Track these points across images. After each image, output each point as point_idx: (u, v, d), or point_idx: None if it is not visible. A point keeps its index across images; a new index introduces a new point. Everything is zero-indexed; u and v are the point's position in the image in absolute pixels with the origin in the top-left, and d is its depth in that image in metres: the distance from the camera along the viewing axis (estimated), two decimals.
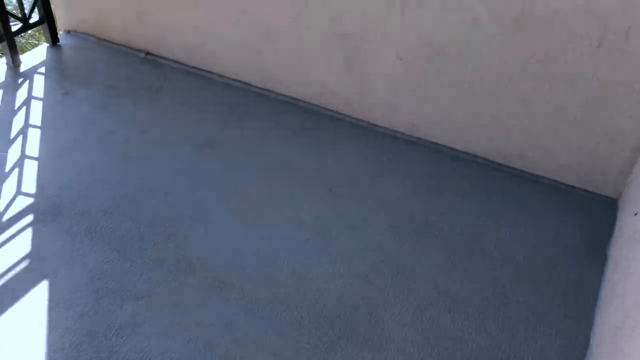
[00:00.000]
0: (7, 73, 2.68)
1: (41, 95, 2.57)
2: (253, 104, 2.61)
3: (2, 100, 2.51)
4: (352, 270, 1.88)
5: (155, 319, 1.67)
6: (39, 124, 2.40)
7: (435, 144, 2.44)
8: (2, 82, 2.62)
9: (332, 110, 2.57)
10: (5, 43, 2.67)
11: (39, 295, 1.72)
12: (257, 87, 2.68)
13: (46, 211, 2.01)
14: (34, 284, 1.76)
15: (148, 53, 2.88)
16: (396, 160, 2.36)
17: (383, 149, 2.41)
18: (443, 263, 1.94)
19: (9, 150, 2.25)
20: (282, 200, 2.12)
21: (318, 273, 1.86)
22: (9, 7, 2.62)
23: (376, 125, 2.51)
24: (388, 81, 2.37)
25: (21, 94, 2.56)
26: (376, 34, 2.27)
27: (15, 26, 2.73)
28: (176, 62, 2.83)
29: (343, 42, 2.36)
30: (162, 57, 2.85)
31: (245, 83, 2.70)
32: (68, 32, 3.05)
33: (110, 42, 2.95)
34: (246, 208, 2.08)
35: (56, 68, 2.78)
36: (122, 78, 2.73)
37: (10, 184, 2.10)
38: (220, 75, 2.75)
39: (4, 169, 2.15)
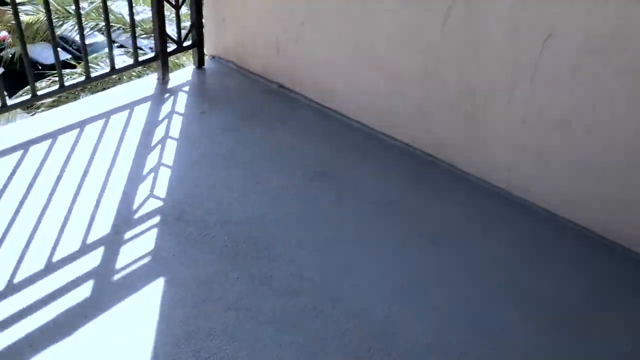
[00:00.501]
0: (156, 87, 2.99)
1: (182, 111, 2.83)
2: (371, 145, 2.71)
3: (149, 111, 2.79)
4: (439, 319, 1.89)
5: (252, 330, 1.77)
6: (176, 136, 2.65)
7: (550, 212, 2.39)
8: (152, 95, 2.92)
9: (447, 163, 2.60)
10: (159, 61, 2.99)
11: (153, 291, 1.88)
12: (377, 131, 2.78)
13: (171, 215, 2.20)
14: (150, 279, 1.93)
15: (280, 85, 3.08)
16: (506, 221, 2.35)
17: (494, 209, 2.40)
18: (539, 338, 1.89)
19: (148, 156, 2.49)
20: (383, 240, 2.18)
21: (411, 317, 1.89)
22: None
23: (492, 185, 2.51)
24: (508, 143, 2.38)
25: (165, 108, 2.84)
26: (502, 95, 2.30)
27: (170, 47, 3.05)
28: (305, 97, 3.00)
29: (467, 98, 2.40)
30: (293, 91, 3.04)
31: (366, 125, 2.81)
32: (213, 57, 3.34)
33: (248, 71, 3.20)
34: (349, 241, 2.16)
35: (198, 89, 3.06)
36: (254, 106, 2.94)
37: (144, 187, 2.32)
38: (344, 115, 2.88)
39: (142, 172, 2.40)
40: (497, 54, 2.26)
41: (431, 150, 2.64)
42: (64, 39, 12.97)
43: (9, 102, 2.49)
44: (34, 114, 7.46)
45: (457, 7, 2.27)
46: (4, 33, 11.41)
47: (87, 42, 2.80)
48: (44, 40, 9.16)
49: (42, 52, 10.90)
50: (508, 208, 2.41)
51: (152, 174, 2.40)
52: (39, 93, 2.58)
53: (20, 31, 2.47)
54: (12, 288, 1.85)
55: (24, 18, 8.20)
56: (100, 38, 11.47)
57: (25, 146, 2.46)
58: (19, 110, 8.36)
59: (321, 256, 2.09)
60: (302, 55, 2.93)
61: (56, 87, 2.67)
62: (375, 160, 2.63)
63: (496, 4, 2.19)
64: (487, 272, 2.09)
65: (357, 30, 2.64)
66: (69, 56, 11.35)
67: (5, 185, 2.25)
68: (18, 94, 6.47)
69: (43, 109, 6.89)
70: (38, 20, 8.37)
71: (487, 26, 2.24)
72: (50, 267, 1.94)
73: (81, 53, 2.84)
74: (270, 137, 2.73)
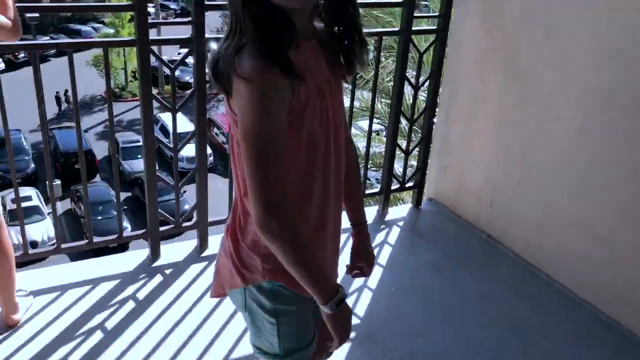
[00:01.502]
0: (375, 217, 3.35)
1: (393, 243, 3.14)
2: (572, 312, 2.66)
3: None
4: None
5: None
6: (384, 264, 2.93)
7: None
8: (369, 224, 3.28)
9: None
10: (382, 196, 3.38)
11: None
12: (582, 299, 2.71)
13: (363, 334, 2.44)
14: None
15: (489, 236, 3.22)
16: None
17: None
18: None
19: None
20: None
21: None
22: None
23: None
24: None
25: (379, 237, 3.17)
26: None
27: (394, 185, 3.43)
28: (512, 252, 3.08)
29: None
30: (501, 244, 3.15)
31: (571, 291, 2.76)
32: (430, 199, 3.64)
33: (460, 217, 3.41)
34: None
35: (412, 226, 3.36)
36: (460, 251, 3.13)
37: None
38: (549, 276, 2.87)
39: (347, 290, 2.70)
40: None
41: (635, 328, 2.49)
42: None
43: None
44: None
45: None
46: None
47: None
48: None
49: None
50: None
51: (356, 294, 2.68)
52: None
53: None
54: None
55: None
56: None
57: None
58: None
59: None
60: (515, 212, 3.06)
61: None
62: (574, 327, 2.57)
63: None
64: None
65: (573, 198, 2.71)
66: None
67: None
68: None
69: None
70: None
71: None
72: None
73: None
74: (470, 283, 2.85)
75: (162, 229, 2.79)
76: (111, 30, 26.87)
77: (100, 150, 19.95)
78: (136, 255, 2.85)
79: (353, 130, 8.21)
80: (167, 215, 2.85)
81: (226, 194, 2.94)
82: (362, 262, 1.61)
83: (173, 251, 2.87)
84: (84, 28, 30.38)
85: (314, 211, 1.35)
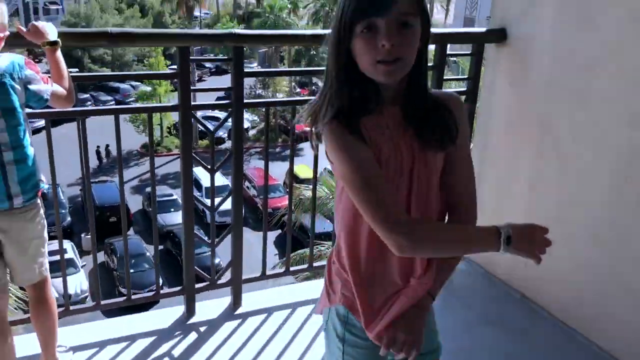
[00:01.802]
0: None
1: None
2: None
3: None
4: None
5: None
6: None
7: None
8: None
9: None
10: None
11: None
12: None
13: None
14: None
15: (524, 295, 3.18)
16: None
17: None
18: None
19: None
20: None
21: None
22: None
23: None
24: None
25: None
26: None
27: None
28: (549, 313, 3.03)
29: None
30: (536, 304, 3.10)
31: (609, 353, 2.69)
32: (463, 258, 3.61)
33: (494, 276, 3.38)
34: None
35: (444, 285, 3.33)
36: (494, 310, 3.09)
37: None
38: (587, 339, 2.81)
39: None
40: None
41: None
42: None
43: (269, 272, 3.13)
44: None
45: None
46: (284, 202, 13.77)
47: None
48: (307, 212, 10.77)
49: (308, 222, 12.82)
50: None
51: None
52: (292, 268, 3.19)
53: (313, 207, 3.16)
54: None
55: (307, 194, 9.86)
56: None
57: (269, 311, 2.95)
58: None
59: None
60: (550, 271, 2.98)
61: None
62: None
63: None
64: None
65: (612, 257, 2.67)
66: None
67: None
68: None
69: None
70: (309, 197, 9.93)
71: None
72: None
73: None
74: (505, 345, 2.81)
75: (197, 286, 2.84)
76: (148, 88, 27.88)
77: (135, 203, 20.33)
78: (171, 312, 2.89)
79: None
80: (202, 272, 2.91)
81: (256, 247, 2.99)
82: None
83: (207, 308, 2.91)
84: (122, 86, 31.65)
85: (368, 263, 1.45)
